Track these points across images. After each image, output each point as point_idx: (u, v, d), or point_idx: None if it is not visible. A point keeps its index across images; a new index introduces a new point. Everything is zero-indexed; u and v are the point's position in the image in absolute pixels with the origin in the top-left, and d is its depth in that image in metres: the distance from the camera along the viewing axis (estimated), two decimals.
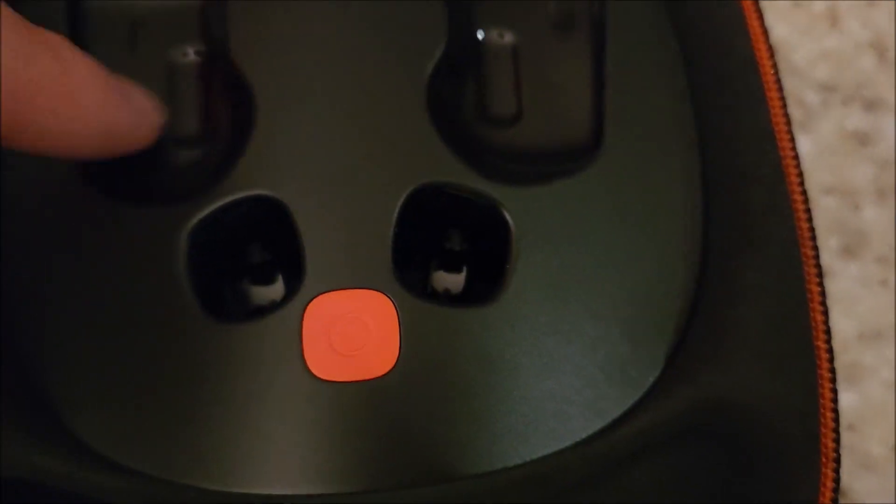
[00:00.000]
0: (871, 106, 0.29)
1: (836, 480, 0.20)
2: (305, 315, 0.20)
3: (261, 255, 0.23)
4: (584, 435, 0.20)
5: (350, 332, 0.20)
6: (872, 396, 0.27)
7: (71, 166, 0.21)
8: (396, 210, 0.20)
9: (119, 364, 0.20)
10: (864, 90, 0.29)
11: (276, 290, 0.23)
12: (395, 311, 0.20)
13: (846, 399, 0.27)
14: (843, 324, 0.27)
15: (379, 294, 0.20)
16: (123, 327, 0.20)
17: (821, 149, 0.29)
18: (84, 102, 0.18)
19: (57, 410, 0.20)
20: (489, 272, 0.22)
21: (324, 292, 0.20)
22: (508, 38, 0.23)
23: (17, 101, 0.16)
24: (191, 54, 0.22)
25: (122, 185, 0.21)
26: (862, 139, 0.29)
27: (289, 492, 0.19)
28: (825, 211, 0.28)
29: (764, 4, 0.30)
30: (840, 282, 0.28)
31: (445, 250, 0.23)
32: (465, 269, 0.23)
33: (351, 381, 0.19)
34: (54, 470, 0.19)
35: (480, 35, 0.23)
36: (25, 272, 0.21)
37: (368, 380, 0.19)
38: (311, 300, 0.20)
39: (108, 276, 0.21)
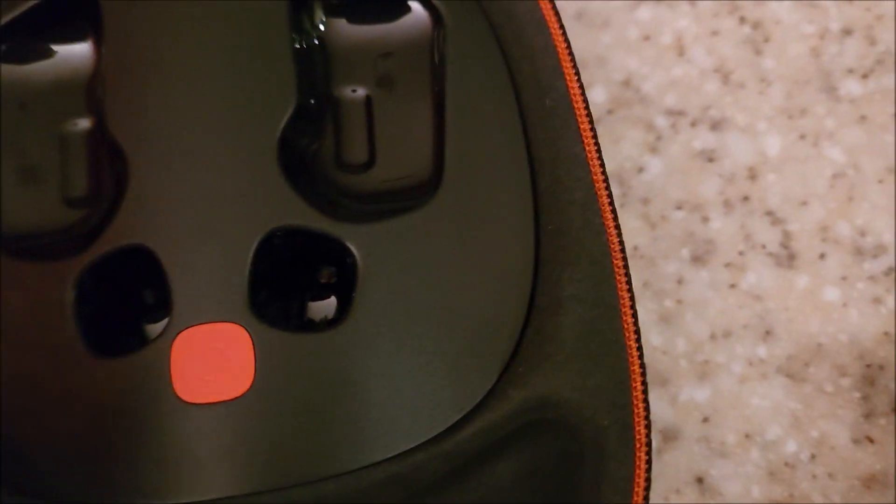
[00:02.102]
0: (716, 125, 0.32)
1: (649, 462, 0.23)
2: (173, 347, 0.23)
3: (147, 297, 0.26)
4: (430, 434, 0.23)
5: (211, 359, 0.23)
6: (724, 391, 0.29)
7: None
8: (251, 252, 0.23)
9: (18, 404, 0.23)
10: (710, 111, 0.32)
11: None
12: (250, 339, 0.23)
13: (701, 395, 0.29)
14: (696, 326, 0.30)
15: (236, 325, 0.23)
16: (19, 369, 0.23)
17: (671, 168, 0.32)
18: None
19: None
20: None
21: (188, 327, 0.23)
22: (360, 92, 0.26)
23: None
24: (77, 124, 0.26)
25: (19, 243, 0.25)
26: (709, 156, 0.32)
27: (166, 502, 0.22)
28: (676, 224, 0.31)
29: (617, 40, 0.33)
30: (692, 288, 0.30)
31: (316, 282, 0.26)
32: (333, 297, 0.26)
33: (213, 403, 0.22)
34: None
35: (333, 91, 0.26)
36: None
37: (228, 400, 0.22)
38: (178, 334, 0.23)
39: (5, 325, 0.24)
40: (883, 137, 0.31)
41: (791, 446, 0.29)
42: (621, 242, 0.24)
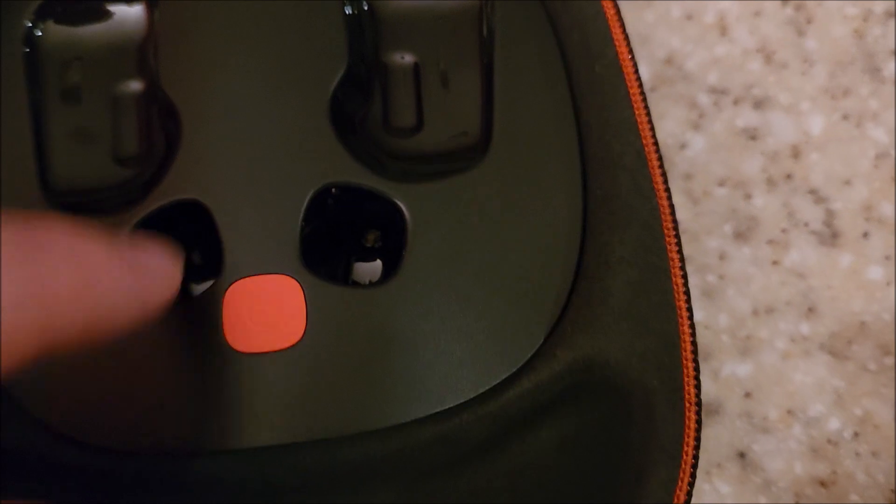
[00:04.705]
0: (759, 104, 0.32)
1: (699, 422, 0.23)
2: (225, 298, 0.23)
3: (197, 257, 0.26)
4: (476, 392, 0.23)
5: (263, 310, 0.23)
6: (767, 366, 0.29)
7: (33, 186, 0.24)
8: (303, 206, 0.24)
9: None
10: (753, 90, 0.32)
11: None
12: (301, 291, 0.23)
13: (743, 370, 0.29)
14: (739, 302, 0.30)
15: (288, 277, 0.23)
16: None
17: (714, 145, 0.31)
18: (105, 302, 0.18)
19: (15, 395, 0.23)
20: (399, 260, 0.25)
21: (240, 278, 0.23)
22: (408, 58, 0.27)
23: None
24: (131, 85, 0.26)
25: (70, 198, 0.25)
26: (752, 134, 0.32)
27: (216, 448, 0.22)
28: (719, 200, 0.31)
29: (659, 19, 0.33)
30: (734, 264, 0.30)
31: (361, 245, 0.27)
32: (378, 259, 0.26)
33: (264, 352, 0.22)
34: (14, 447, 0.22)
35: (382, 57, 0.27)
36: None
37: (279, 350, 0.23)
38: (230, 285, 0.23)
39: None
40: None
41: (834, 424, 0.29)
42: (671, 206, 0.24)
